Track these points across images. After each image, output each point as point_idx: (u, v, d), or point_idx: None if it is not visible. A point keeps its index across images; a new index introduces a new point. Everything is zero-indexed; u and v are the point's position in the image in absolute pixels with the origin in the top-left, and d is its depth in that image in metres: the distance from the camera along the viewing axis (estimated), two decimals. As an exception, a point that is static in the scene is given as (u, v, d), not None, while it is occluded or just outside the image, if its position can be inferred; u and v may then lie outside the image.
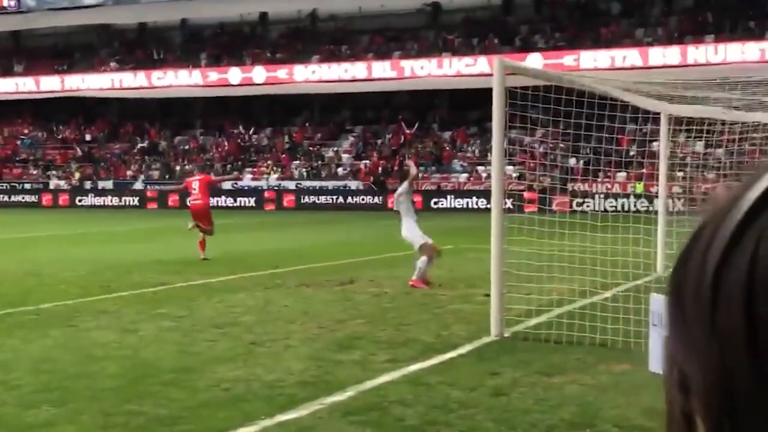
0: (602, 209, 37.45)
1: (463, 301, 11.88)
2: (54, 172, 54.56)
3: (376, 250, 20.25)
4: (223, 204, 47.16)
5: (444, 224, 32.48)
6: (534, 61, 43.54)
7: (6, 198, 52.17)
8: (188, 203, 20.09)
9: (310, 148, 52.24)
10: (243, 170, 50.53)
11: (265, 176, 49.96)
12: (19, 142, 59.42)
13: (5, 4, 60.10)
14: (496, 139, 9.37)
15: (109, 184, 52.14)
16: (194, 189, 19.05)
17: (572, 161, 37.82)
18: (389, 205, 43.92)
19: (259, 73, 53.19)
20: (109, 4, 58.85)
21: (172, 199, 47.52)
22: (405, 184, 13.97)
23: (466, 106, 50.26)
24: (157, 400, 6.77)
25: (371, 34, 54.39)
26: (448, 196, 44.31)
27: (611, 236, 12.60)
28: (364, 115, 54.35)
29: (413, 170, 14.60)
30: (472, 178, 46.12)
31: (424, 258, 13.44)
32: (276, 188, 48.18)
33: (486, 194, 37.15)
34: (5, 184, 54.06)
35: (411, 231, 13.81)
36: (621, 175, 36.12)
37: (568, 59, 46.01)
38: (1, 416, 6.37)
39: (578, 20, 50.13)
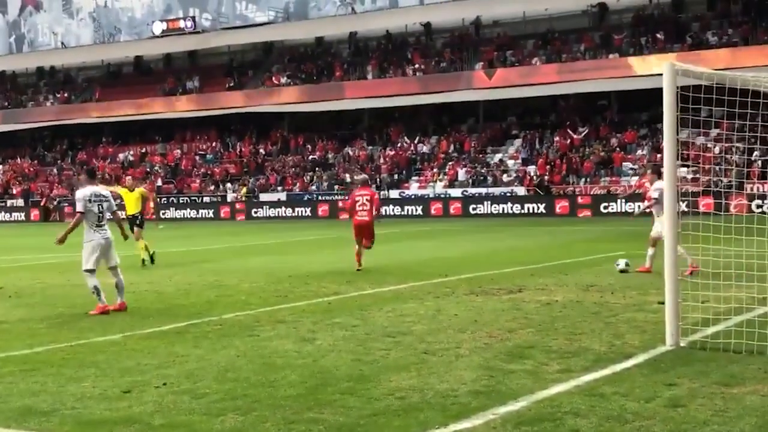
0: (783, 210, 35.90)
1: (637, 309, 11.67)
2: (230, 185, 56.71)
3: (544, 257, 20.11)
4: (391, 212, 47.89)
5: (615, 229, 31.89)
6: (708, 58, 42.02)
7: (187, 211, 54.62)
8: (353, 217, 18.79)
9: (477, 156, 52.24)
10: (410, 179, 51.10)
11: (431, 184, 50.34)
12: (198, 157, 62.11)
13: (182, 26, 63.02)
14: (667, 142, 9.19)
15: (282, 196, 53.81)
16: (363, 203, 18.39)
17: (750, 161, 36.33)
18: (557, 210, 43.58)
19: (422, 82, 53.69)
20: (279, 21, 60.77)
21: (340, 210, 48.60)
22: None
23: (635, 107, 49.14)
24: (336, 408, 7.01)
25: (536, 38, 53.98)
26: (618, 200, 43.39)
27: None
28: (530, 119, 53.97)
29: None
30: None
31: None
32: (442, 196, 48.45)
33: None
34: (186, 198, 56.63)
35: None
36: (804, 174, 34.46)
37: (741, 56, 44.26)
38: (191, 423, 6.73)
39: (752, 16, 48.11)
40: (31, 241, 26.47)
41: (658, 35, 49.32)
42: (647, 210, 16.99)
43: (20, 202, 61.38)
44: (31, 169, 67.19)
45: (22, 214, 59.02)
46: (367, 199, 18.46)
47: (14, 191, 63.41)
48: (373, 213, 18.45)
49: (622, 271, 16.19)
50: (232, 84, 61.33)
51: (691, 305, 9.93)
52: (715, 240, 10.18)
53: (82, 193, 12.66)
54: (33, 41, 70.43)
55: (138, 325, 11.31)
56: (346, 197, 21.82)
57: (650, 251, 16.26)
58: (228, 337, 10.36)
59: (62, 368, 8.77)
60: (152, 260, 20.60)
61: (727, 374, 7.77)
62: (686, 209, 16.01)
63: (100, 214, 12.66)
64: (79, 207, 12.65)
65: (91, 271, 12.59)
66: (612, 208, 42.84)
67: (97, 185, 13.13)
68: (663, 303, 9.43)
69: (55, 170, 65.85)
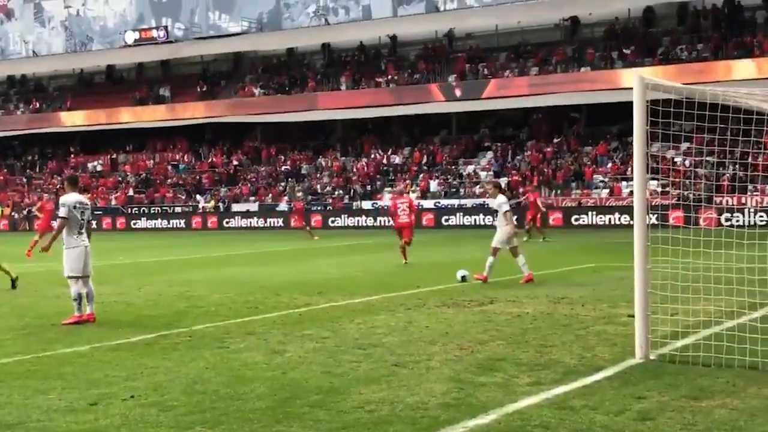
0: (752, 224, 36.17)
1: (607, 322, 11.71)
2: (200, 196, 56.50)
3: (515, 269, 20.14)
4: (363, 224, 47.87)
5: (585, 241, 32.05)
6: (676, 73, 42.44)
7: (158, 221, 54.34)
8: (394, 220, 23.20)
9: (449, 167, 52.38)
10: (383, 190, 51.14)
11: (387, 195, 50.38)
12: (170, 167, 61.84)
13: (155, 35, 62.77)
14: (637, 155, 9.23)
15: (254, 207, 53.64)
16: (404, 209, 22.57)
17: (720, 175, 36.66)
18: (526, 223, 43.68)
19: (394, 94, 53.80)
20: (253, 31, 60.66)
21: (315, 220, 48.55)
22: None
23: (605, 120, 49.47)
24: (305, 421, 6.96)
25: (509, 51, 54.24)
26: (589, 213, 43.65)
27: (760, 254, 12.19)
28: (502, 131, 54.19)
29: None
30: (613, 194, 45.28)
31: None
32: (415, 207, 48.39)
33: (628, 210, 36.54)
34: (157, 208, 56.35)
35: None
36: (772, 188, 34.79)
37: (711, 70, 44.72)
38: (159, 435, 6.67)
39: (722, 30, 48.65)
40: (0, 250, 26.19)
41: (630, 49, 49.73)
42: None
43: (-11, 212, 60.80)
44: (1, 178, 66.60)
45: (-9, 224, 58.44)
46: (406, 206, 22.88)
47: (-17, 200, 62.83)
48: (412, 216, 22.78)
49: (462, 279, 17.21)
50: (204, 94, 61.15)
51: (661, 318, 9.97)
52: (685, 253, 10.23)
53: (67, 199, 12.69)
54: (4, 50, 69.85)
55: (106, 337, 11.20)
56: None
57: (490, 260, 17.17)
58: (197, 348, 10.28)
59: (28, 380, 8.66)
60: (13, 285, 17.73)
61: (696, 387, 7.80)
62: (656, 222, 16.12)
63: (83, 221, 12.72)
64: (62, 212, 12.65)
65: (75, 278, 12.57)
66: (583, 221, 43.07)
67: (79, 193, 13.15)
68: (633, 316, 9.47)
69: (24, 179, 65.32)
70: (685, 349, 9.27)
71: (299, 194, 47.38)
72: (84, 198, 13.11)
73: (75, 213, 12.63)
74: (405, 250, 22.23)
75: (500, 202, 17.53)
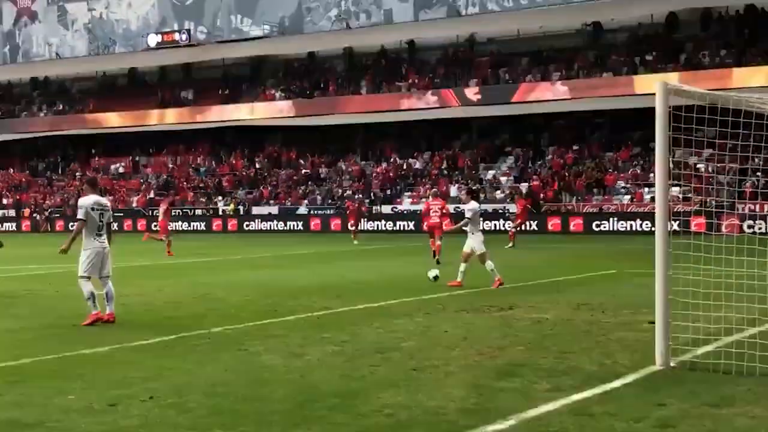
0: (775, 231, 35.88)
1: (628, 329, 11.64)
2: (221, 199, 56.66)
3: (535, 275, 20.09)
4: (383, 228, 47.83)
5: (607, 248, 31.91)
6: (699, 79, 42.18)
7: (179, 224, 54.52)
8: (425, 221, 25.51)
9: (469, 172, 52.28)
10: (402, 195, 51.16)
11: (423, 199, 50.34)
12: (191, 170, 62.07)
13: (177, 38, 63.04)
14: (659, 162, 9.18)
15: (274, 210, 53.73)
16: (436, 210, 24.63)
17: (742, 181, 36.45)
18: (549, 228, 43.63)
19: (415, 98, 53.80)
20: (275, 35, 60.80)
21: (334, 224, 48.60)
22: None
23: (628, 126, 49.24)
24: (323, 424, 6.96)
25: (530, 56, 54.11)
26: (611, 219, 43.44)
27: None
28: (523, 137, 54.04)
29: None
30: (635, 200, 45.08)
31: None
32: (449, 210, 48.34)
33: (650, 216, 36.35)
34: (178, 210, 56.55)
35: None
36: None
37: (734, 76, 44.47)
38: (178, 437, 6.68)
39: (745, 36, 48.35)
40: (22, 252, 26.39)
41: (652, 55, 49.50)
42: (464, 227, 18.19)
43: (11, 213, 61.20)
44: (23, 179, 67.07)
45: (13, 225, 58.84)
46: (438, 207, 24.84)
47: (6, 201, 63.28)
48: (442, 217, 24.54)
49: (434, 278, 17.80)
50: (225, 97, 61.36)
51: (682, 325, 9.90)
52: (707, 260, 10.16)
53: (85, 201, 12.77)
54: (27, 52, 70.28)
55: (126, 338, 11.24)
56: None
57: (462, 266, 17.42)
58: (216, 350, 10.30)
59: (49, 380, 8.71)
60: None
61: (717, 395, 7.74)
62: (678, 228, 16.03)
63: (101, 224, 12.76)
64: (80, 214, 12.74)
65: (86, 278, 12.61)
66: (604, 227, 42.89)
67: (98, 195, 13.20)
68: (653, 323, 9.41)
69: (46, 181, 65.77)
70: (706, 356, 9.21)
71: (358, 196, 47.56)
72: (103, 200, 13.14)
73: (93, 215, 12.68)
74: (438, 249, 23.84)
75: (470, 207, 17.90)
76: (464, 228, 18.04)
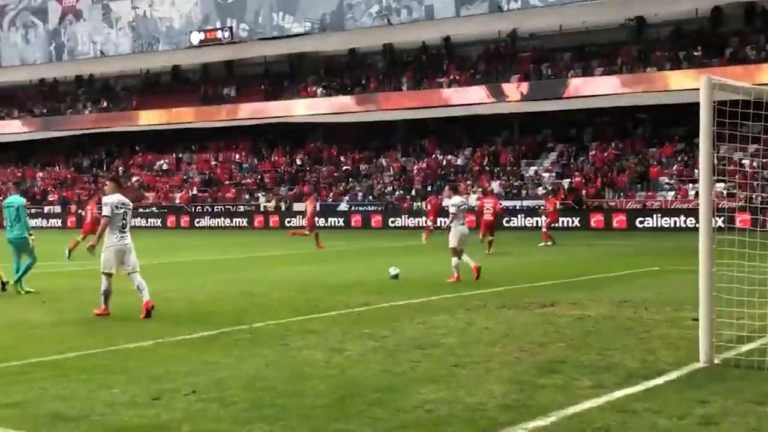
0: (822, 227, 35.27)
1: (671, 326, 11.53)
2: (263, 195, 56.95)
3: (577, 271, 19.96)
4: (423, 225, 47.69)
5: (650, 244, 31.62)
6: (744, 74, 41.62)
7: (221, 220, 54.90)
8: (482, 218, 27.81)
9: (512, 168, 52.05)
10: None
11: (465, 196, 50.17)
12: (233, 167, 62.49)
13: (219, 36, 63.46)
14: (703, 157, 9.08)
15: (316, 206, 53.83)
16: (488, 208, 27.34)
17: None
18: (592, 224, 43.32)
19: (455, 94, 53.65)
20: (316, 32, 60.97)
21: (375, 220, 48.66)
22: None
23: (672, 122, 48.74)
24: (363, 419, 6.97)
25: (573, 51, 53.73)
26: (654, 215, 43.02)
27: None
28: (566, 132, 53.69)
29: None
30: (679, 196, 44.60)
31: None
32: (476, 208, 48.21)
33: (694, 213, 35.96)
34: (220, 207, 56.95)
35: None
36: (843, 191, 33.91)
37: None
38: None
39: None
40: (66, 248, 26.72)
41: (696, 49, 48.93)
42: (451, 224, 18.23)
43: (57, 209, 62.03)
44: (68, 176, 67.96)
45: (59, 221, 59.62)
46: (491, 205, 27.69)
47: (51, 198, 64.14)
48: (494, 214, 27.35)
49: (393, 278, 17.91)
50: (267, 94, 61.67)
51: (726, 322, 9.78)
52: (751, 256, 10.03)
53: (110, 199, 13.13)
54: (72, 50, 71.14)
55: (169, 332, 11.35)
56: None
57: (455, 261, 17.71)
58: (258, 345, 10.37)
59: (93, 374, 8.81)
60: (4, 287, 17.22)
61: (761, 392, 7.65)
62: (722, 225, 15.84)
63: (124, 221, 13.10)
64: (106, 211, 13.08)
65: (107, 275, 12.99)
66: (648, 223, 42.50)
67: (122, 194, 13.55)
68: (697, 319, 9.32)
69: (91, 177, 66.55)
70: (750, 353, 9.10)
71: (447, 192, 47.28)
72: (126, 199, 13.45)
73: (117, 212, 13.03)
74: (491, 243, 26.24)
75: (453, 203, 18.27)
76: (450, 224, 18.22)
